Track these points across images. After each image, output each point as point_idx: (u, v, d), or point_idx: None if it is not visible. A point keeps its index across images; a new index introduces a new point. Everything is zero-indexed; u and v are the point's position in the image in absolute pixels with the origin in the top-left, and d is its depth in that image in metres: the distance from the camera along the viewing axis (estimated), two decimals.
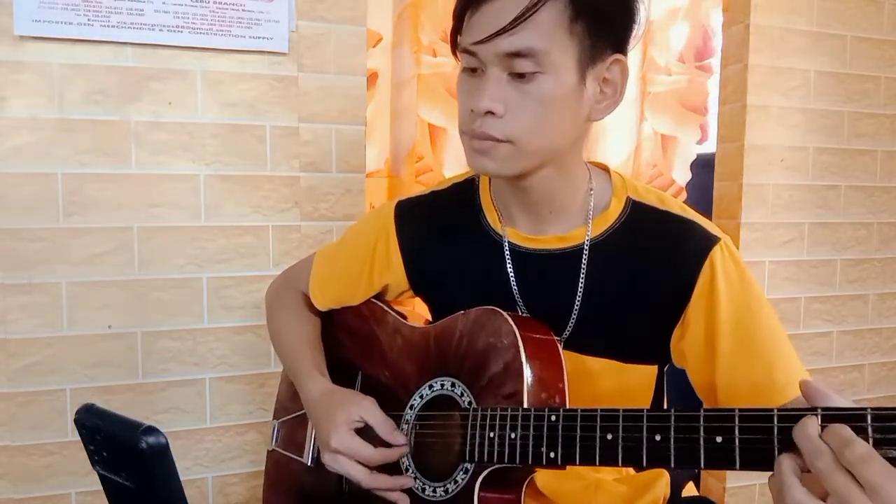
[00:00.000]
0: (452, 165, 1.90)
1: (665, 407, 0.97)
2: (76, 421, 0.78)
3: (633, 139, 2.06)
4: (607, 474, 0.91)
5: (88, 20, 1.25)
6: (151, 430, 0.69)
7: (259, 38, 1.36)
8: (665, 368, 0.92)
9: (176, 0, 1.29)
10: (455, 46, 0.80)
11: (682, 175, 2.12)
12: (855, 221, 1.85)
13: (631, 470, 0.94)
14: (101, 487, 0.80)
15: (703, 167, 2.01)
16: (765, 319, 0.81)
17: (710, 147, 2.16)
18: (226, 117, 1.37)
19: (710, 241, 0.82)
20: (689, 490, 1.11)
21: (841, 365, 1.89)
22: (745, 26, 1.69)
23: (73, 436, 1.27)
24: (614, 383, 0.86)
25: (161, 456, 0.70)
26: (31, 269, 1.27)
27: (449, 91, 1.89)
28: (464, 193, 0.95)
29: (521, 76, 0.75)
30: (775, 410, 0.57)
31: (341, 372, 0.98)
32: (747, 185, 1.72)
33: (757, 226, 1.75)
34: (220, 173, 1.37)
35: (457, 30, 0.79)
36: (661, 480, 0.94)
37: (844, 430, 0.53)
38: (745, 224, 1.73)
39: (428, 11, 1.85)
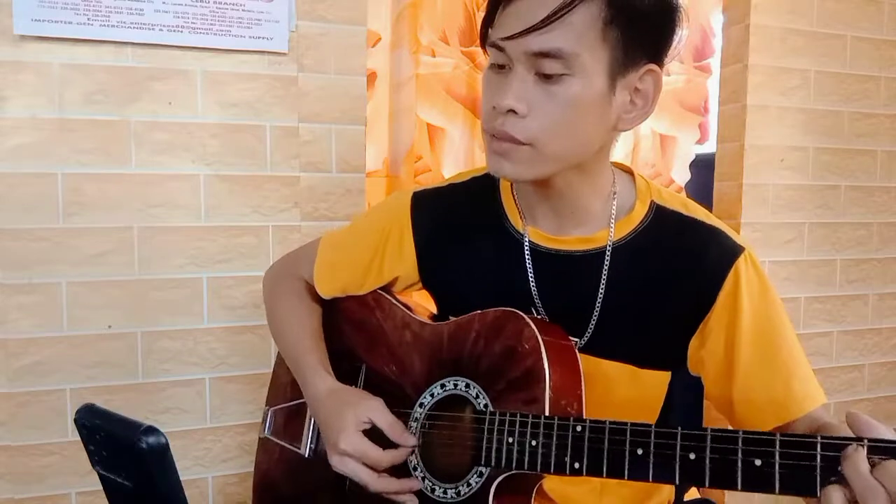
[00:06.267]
0: (451, 165, 1.90)
1: (672, 416, 0.96)
2: (76, 421, 0.78)
3: (630, 139, 2.06)
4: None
5: (88, 20, 1.25)
6: (151, 430, 0.69)
7: (259, 38, 1.36)
8: (674, 376, 0.91)
9: (176, 0, 1.29)
10: (484, 40, 0.78)
11: (681, 175, 2.12)
12: (855, 221, 1.85)
13: None
14: (101, 487, 0.80)
15: (703, 167, 2.01)
16: (785, 332, 0.81)
17: (710, 147, 2.16)
18: (226, 117, 1.36)
19: (735, 250, 0.81)
20: (691, 493, 1.10)
21: (841, 365, 1.89)
22: (745, 26, 1.69)
23: (73, 436, 1.27)
24: (628, 388, 0.85)
25: (161, 456, 0.70)
26: (31, 269, 1.27)
27: (448, 91, 1.89)
28: (483, 188, 0.93)
29: (548, 77, 0.73)
30: (818, 437, 0.57)
31: (344, 363, 0.96)
32: (747, 185, 1.72)
33: (757, 226, 1.74)
34: (220, 173, 1.37)
35: (487, 23, 0.77)
36: (665, 485, 0.93)
37: None
38: (745, 224, 1.73)
39: (427, 12, 1.85)
